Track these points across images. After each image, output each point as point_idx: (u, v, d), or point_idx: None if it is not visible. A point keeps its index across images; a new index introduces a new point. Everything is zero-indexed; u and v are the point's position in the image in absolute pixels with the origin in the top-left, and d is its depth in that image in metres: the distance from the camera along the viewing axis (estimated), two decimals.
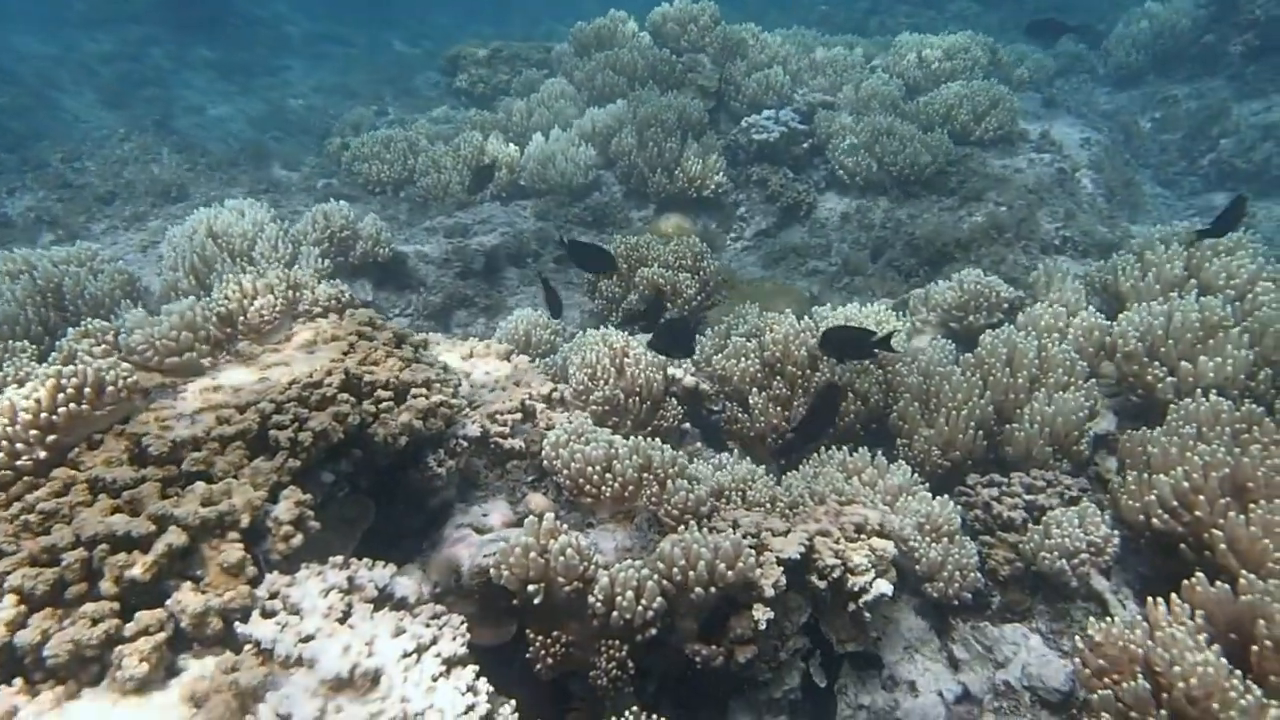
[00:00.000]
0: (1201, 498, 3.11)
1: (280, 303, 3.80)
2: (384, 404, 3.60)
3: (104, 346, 3.58)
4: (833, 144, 8.13)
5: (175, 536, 2.97)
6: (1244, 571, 2.74)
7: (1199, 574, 2.81)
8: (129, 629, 2.77)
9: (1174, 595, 2.73)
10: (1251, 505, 2.93)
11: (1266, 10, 9.70)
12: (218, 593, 2.99)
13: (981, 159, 7.96)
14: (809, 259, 7.76)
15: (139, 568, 2.89)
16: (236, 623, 2.94)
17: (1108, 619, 2.76)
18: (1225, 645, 2.59)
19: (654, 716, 2.95)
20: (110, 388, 3.25)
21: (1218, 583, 2.73)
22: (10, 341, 4.65)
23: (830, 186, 8.32)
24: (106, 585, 2.85)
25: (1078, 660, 2.75)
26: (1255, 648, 2.42)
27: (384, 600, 3.27)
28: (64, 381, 3.15)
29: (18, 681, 2.63)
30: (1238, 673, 2.34)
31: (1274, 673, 2.35)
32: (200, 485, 3.15)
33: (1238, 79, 9.68)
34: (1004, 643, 3.53)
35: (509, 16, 20.79)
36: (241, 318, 3.77)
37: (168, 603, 2.90)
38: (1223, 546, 2.91)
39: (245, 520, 3.14)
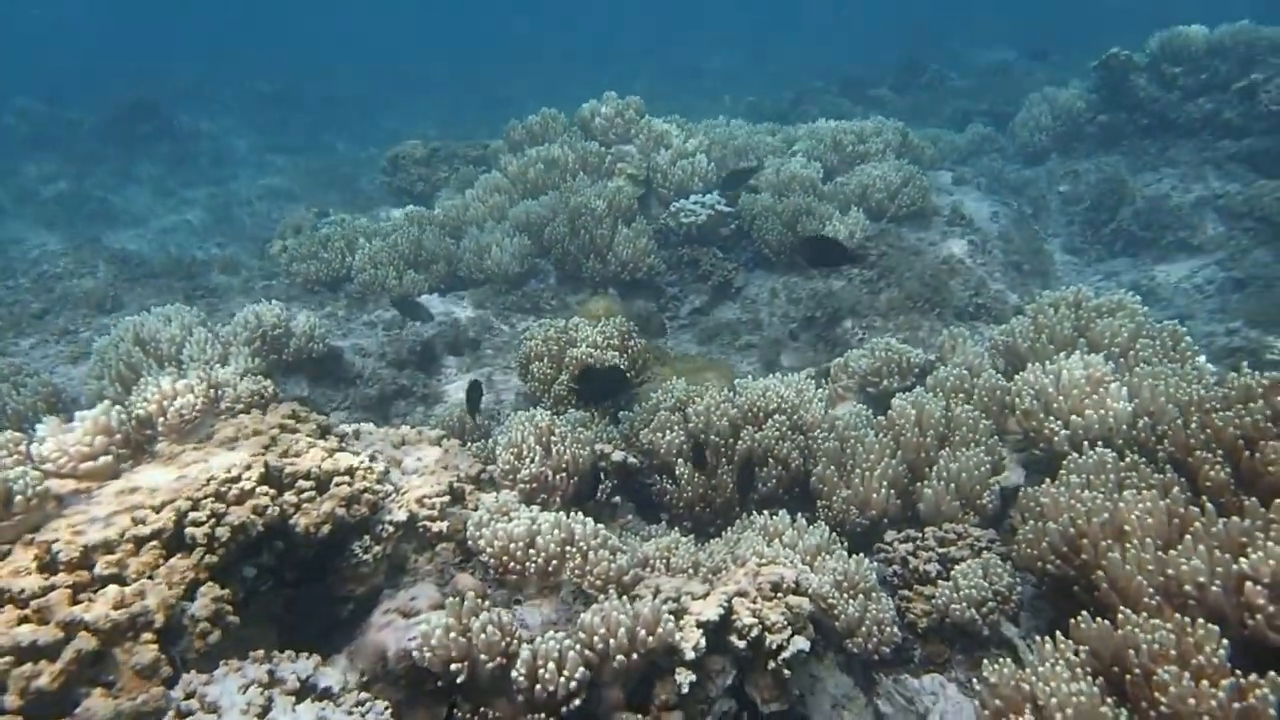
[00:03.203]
0: (1085, 541, 3.28)
1: (200, 401, 3.87)
2: (305, 494, 3.65)
3: (16, 457, 3.58)
4: (757, 224, 8.51)
5: (84, 642, 2.96)
6: (1122, 607, 2.89)
7: (1084, 613, 2.95)
8: None
9: (1057, 633, 2.86)
10: (1128, 546, 3.10)
11: (1149, 92, 10.53)
12: (130, 696, 2.97)
13: (897, 234, 8.39)
14: (742, 334, 8.03)
15: (45, 677, 2.87)
16: None
17: (1000, 662, 2.87)
18: (1108, 678, 2.71)
19: None
20: (19, 497, 3.26)
21: (1099, 619, 2.87)
22: None
23: (758, 265, 8.67)
24: (10, 699, 2.83)
25: (977, 703, 2.84)
26: (1128, 676, 2.55)
27: (307, 692, 3.26)
28: None
29: None
30: (1110, 700, 2.46)
31: (1144, 699, 2.47)
32: (113, 588, 3.15)
33: (1131, 154, 10.42)
34: (924, 694, 3.61)
35: (453, 117, 21.50)
36: (161, 419, 3.82)
37: (77, 711, 2.87)
38: (1104, 585, 3.06)
39: (160, 620, 3.14)
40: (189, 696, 3.03)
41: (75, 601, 3.08)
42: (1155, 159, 10.05)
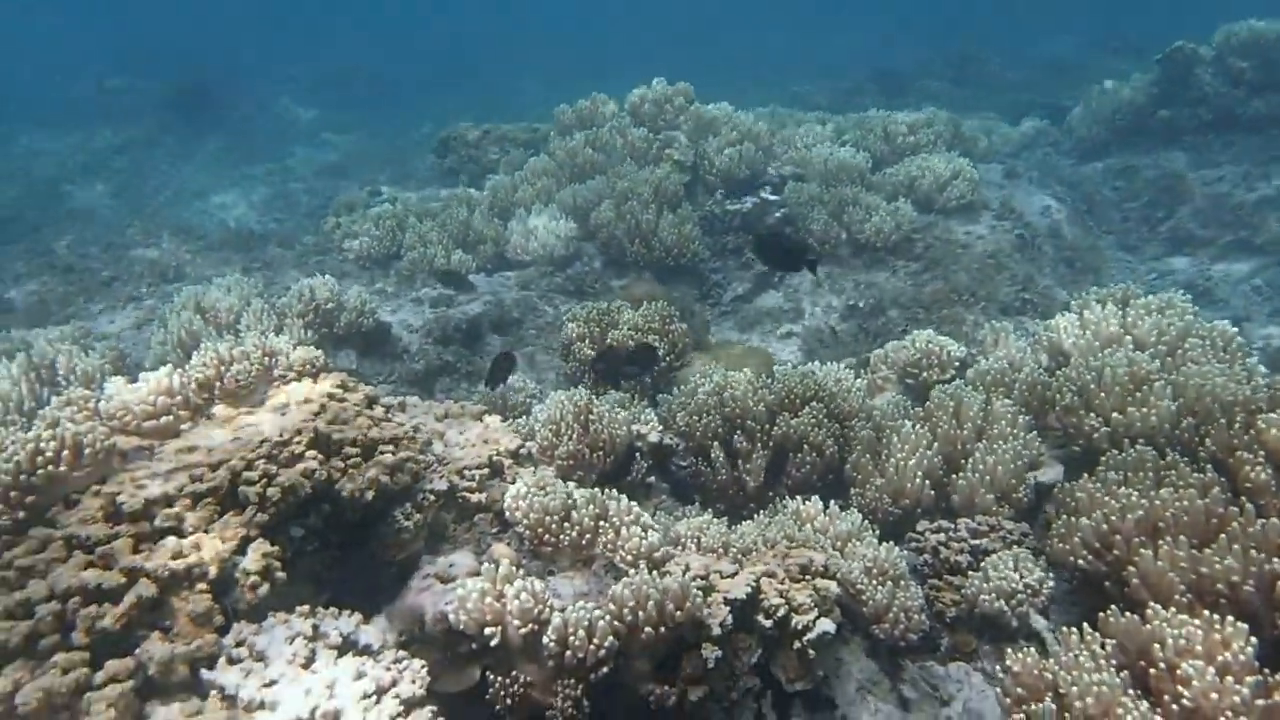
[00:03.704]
0: (1119, 537, 3.27)
1: (255, 368, 4.04)
2: (352, 460, 3.80)
3: (85, 413, 3.79)
4: (802, 214, 8.49)
5: (145, 588, 3.14)
6: (1152, 603, 2.89)
7: (1113, 607, 2.95)
8: (98, 678, 2.93)
9: (1085, 625, 2.87)
10: (1161, 543, 3.09)
11: (1215, 87, 10.22)
12: (185, 641, 3.14)
13: (945, 226, 8.31)
14: (783, 322, 8.04)
15: (109, 619, 3.05)
16: (203, 670, 3.09)
17: (1024, 651, 2.89)
18: (1134, 672, 2.72)
19: None
20: (88, 450, 3.45)
21: (1128, 614, 2.88)
22: (4, 417, 4.90)
23: None
24: (78, 636, 3.01)
25: (998, 690, 2.87)
26: (1152, 670, 2.56)
27: (348, 647, 3.41)
28: (43, 445, 3.36)
29: None
30: (1131, 691, 2.47)
31: (1167, 692, 2.48)
32: (171, 540, 3.33)
33: (1192, 150, 10.14)
34: (949, 681, 3.63)
35: (505, 101, 21.68)
36: (218, 383, 4.00)
37: (136, 651, 3.05)
38: (1135, 581, 3.06)
39: (213, 572, 3.31)
40: (239, 644, 3.19)
41: (136, 550, 3.25)
42: (1218, 155, 9.76)
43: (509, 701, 3.41)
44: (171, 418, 3.83)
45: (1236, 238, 8.68)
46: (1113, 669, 2.59)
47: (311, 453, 3.70)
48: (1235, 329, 4.83)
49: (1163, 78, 10.75)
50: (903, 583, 3.87)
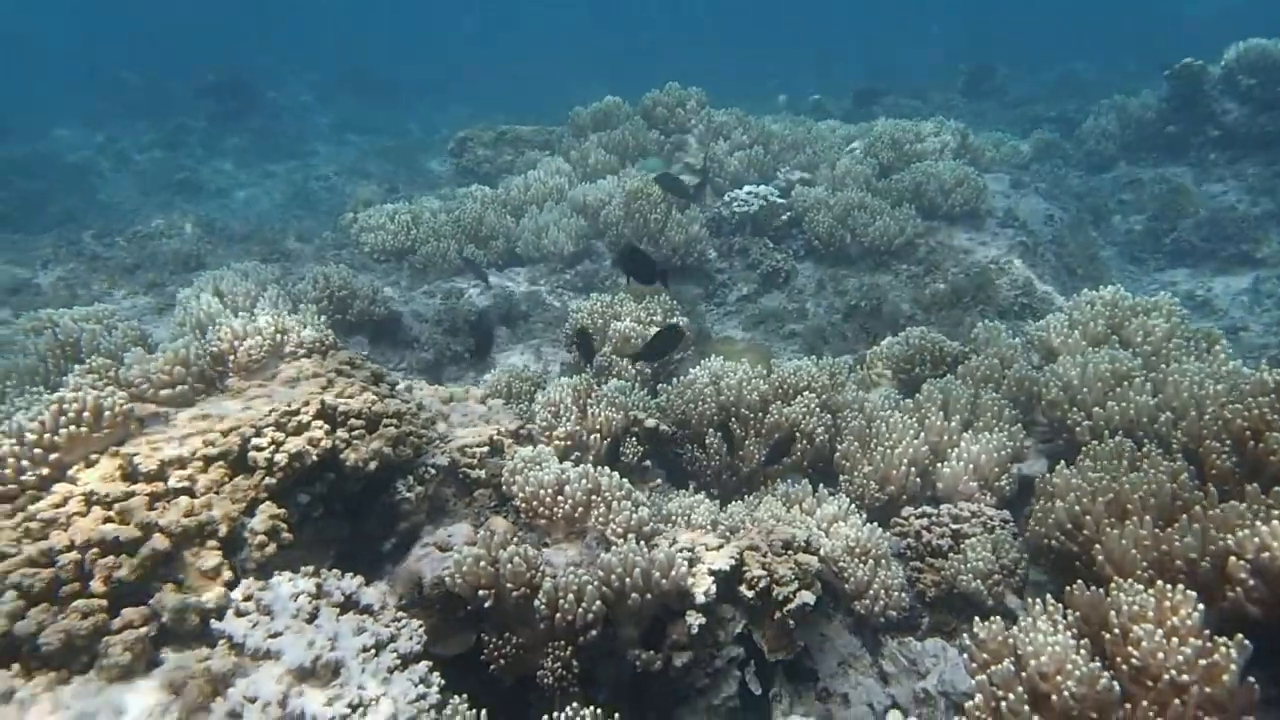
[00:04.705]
0: (1089, 518, 3.40)
1: (267, 343, 4.23)
2: (355, 432, 3.98)
3: (106, 380, 3.99)
4: (809, 216, 8.65)
5: (159, 542, 3.33)
6: (1116, 578, 3.02)
7: (1079, 582, 3.08)
8: (115, 623, 3.11)
9: (1048, 596, 3.01)
10: (1127, 523, 3.22)
11: (1222, 104, 10.32)
12: (196, 593, 3.33)
13: (948, 232, 8.44)
14: (787, 322, 8.18)
15: (125, 569, 3.24)
16: (213, 621, 3.28)
17: (990, 620, 3.02)
18: (1095, 640, 2.85)
19: (597, 710, 3.20)
20: (108, 413, 3.64)
21: (1092, 588, 3.01)
22: (31, 390, 5.11)
23: (808, 255, 8.81)
24: (96, 585, 3.20)
25: (965, 655, 3.01)
26: (1106, 635, 2.69)
27: (350, 606, 3.59)
28: (66, 406, 3.56)
29: (15, 666, 2.96)
30: (1084, 651, 2.60)
31: (1120, 654, 2.61)
32: (184, 499, 3.52)
33: (1198, 165, 10.23)
34: (926, 656, 3.76)
35: (521, 103, 21.98)
36: (231, 357, 4.20)
37: (150, 601, 3.24)
38: (1100, 558, 3.19)
39: (224, 530, 3.50)
40: (247, 599, 3.37)
41: (151, 508, 3.44)
42: (1223, 170, 9.86)
43: (503, 663, 3.57)
44: (186, 387, 4.03)
45: (1238, 251, 8.76)
46: (1069, 632, 2.72)
47: (318, 423, 3.89)
48: (1220, 331, 4.95)
49: (1172, 94, 10.88)
50: (884, 561, 4.01)
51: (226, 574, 3.43)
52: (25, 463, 3.44)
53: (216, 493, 3.60)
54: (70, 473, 3.55)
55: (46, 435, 3.47)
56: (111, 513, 3.39)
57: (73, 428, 3.53)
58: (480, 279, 7.32)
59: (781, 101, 17.57)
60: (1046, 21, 30.61)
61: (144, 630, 3.12)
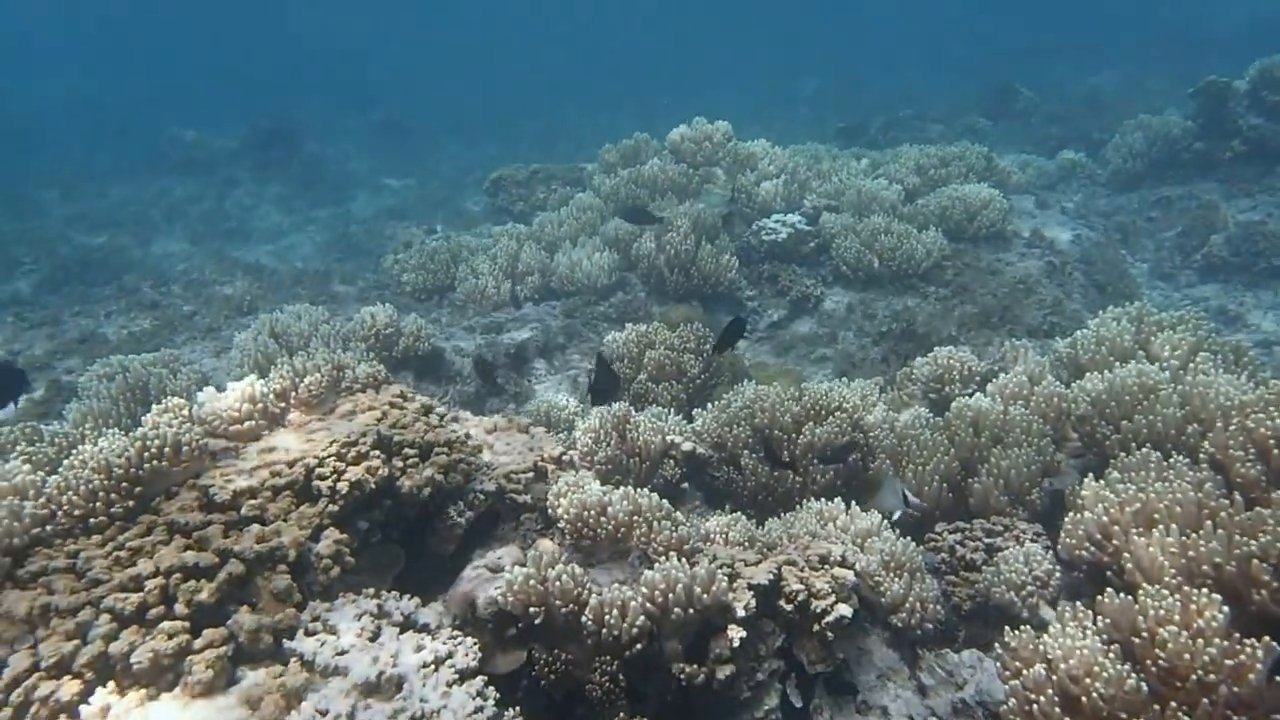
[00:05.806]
0: (1117, 528, 3.50)
1: (326, 380, 4.51)
2: (410, 460, 4.22)
3: (181, 418, 4.29)
4: (836, 243, 8.83)
5: (234, 567, 3.58)
6: (1144, 584, 3.13)
7: (1109, 590, 3.19)
8: (197, 643, 3.36)
9: (1078, 604, 3.12)
10: (1155, 531, 3.32)
11: (1248, 119, 10.36)
12: (269, 614, 3.57)
13: (975, 254, 8.57)
14: (817, 347, 8.34)
15: (205, 593, 3.49)
16: (284, 640, 3.51)
17: (1021, 628, 3.14)
18: (1125, 645, 2.95)
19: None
20: (185, 448, 3.93)
21: (1122, 595, 3.12)
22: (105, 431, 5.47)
23: (836, 281, 8.98)
24: (179, 607, 3.45)
25: (998, 664, 3.12)
26: (1135, 639, 2.80)
27: (409, 625, 3.80)
28: (148, 443, 3.85)
29: (111, 684, 3.21)
30: (1112, 653, 2.72)
31: (1149, 656, 2.72)
32: (255, 527, 3.77)
33: (1226, 181, 10.26)
34: (963, 667, 3.86)
35: (552, 143, 22.52)
36: (293, 393, 4.48)
37: (228, 622, 3.48)
38: (1129, 566, 3.29)
39: (292, 555, 3.74)
40: (314, 619, 3.60)
41: (226, 535, 3.70)
42: (1252, 186, 9.87)
43: (552, 678, 3.74)
44: (254, 422, 4.31)
45: (1270, 265, 8.76)
46: (1098, 637, 2.84)
47: (375, 452, 4.14)
48: (1248, 344, 5.01)
49: (1198, 111, 10.93)
50: (919, 575, 4.12)
51: (296, 597, 3.66)
52: (114, 495, 3.72)
53: (284, 520, 3.84)
54: (153, 504, 3.82)
55: (132, 470, 3.75)
56: (191, 540, 3.65)
57: (155, 462, 3.81)
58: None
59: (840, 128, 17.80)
60: (1070, 33, 30.60)
61: (223, 649, 3.36)
